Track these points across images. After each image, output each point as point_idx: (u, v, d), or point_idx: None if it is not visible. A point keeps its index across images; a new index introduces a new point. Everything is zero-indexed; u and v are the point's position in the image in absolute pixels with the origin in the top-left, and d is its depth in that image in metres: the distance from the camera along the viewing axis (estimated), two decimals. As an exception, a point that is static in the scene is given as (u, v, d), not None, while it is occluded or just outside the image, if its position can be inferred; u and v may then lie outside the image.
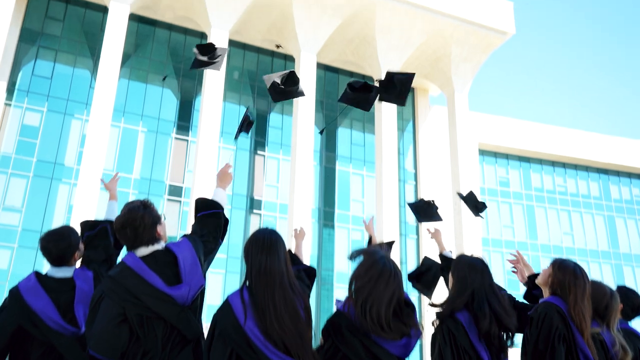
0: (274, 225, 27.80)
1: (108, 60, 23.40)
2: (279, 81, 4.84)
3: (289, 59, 29.71)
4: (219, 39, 25.24)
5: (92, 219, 4.05)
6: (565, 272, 3.44)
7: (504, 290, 4.16)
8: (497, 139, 35.16)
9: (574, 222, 36.33)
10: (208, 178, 23.28)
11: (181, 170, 27.00)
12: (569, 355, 3.23)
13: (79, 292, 3.38)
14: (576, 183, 37.54)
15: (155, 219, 3.03)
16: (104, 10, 26.38)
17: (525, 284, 4.17)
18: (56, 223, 23.84)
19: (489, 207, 33.95)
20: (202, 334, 2.92)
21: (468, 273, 3.23)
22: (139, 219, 2.95)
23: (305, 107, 26.32)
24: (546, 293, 3.57)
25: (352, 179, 30.58)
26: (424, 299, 28.61)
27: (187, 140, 27.50)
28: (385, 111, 28.14)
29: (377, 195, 27.34)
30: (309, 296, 3.15)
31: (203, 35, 28.21)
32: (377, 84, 4.96)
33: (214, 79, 24.91)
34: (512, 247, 33.29)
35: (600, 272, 34.76)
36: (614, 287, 3.82)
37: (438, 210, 6.04)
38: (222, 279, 25.59)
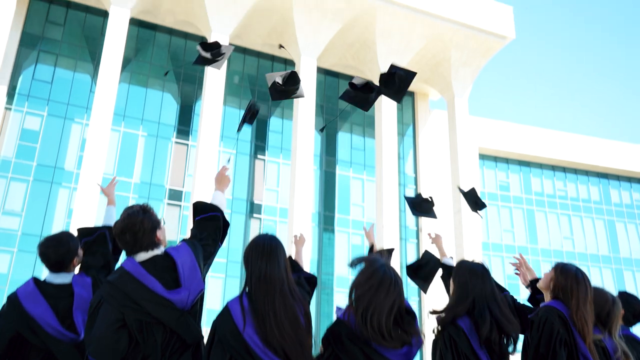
0: (274, 229, 27.77)
1: (108, 64, 23.42)
2: (279, 80, 4.83)
3: (289, 63, 29.76)
4: (219, 44, 25.20)
5: (91, 225, 4.03)
6: (567, 276, 3.42)
7: (507, 291, 4.15)
8: (497, 143, 35.17)
9: (574, 227, 36.32)
10: (208, 182, 23.27)
11: (181, 174, 27.00)
12: (570, 360, 3.22)
13: (77, 299, 3.36)
14: (576, 187, 37.54)
15: (155, 224, 3.01)
16: (104, 14, 26.43)
17: (528, 287, 4.16)
18: (56, 227, 23.82)
19: (490, 211, 34.02)
20: (202, 338, 2.90)
21: (469, 279, 3.21)
22: (139, 224, 2.93)
23: (305, 111, 26.33)
24: (547, 297, 3.56)
25: (352, 183, 30.58)
26: (425, 306, 28.63)
27: (187, 145, 27.50)
28: (385, 115, 28.16)
29: (377, 200, 27.32)
30: (309, 302, 3.13)
31: (203, 40, 28.23)
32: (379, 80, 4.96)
33: (214, 83, 24.93)
34: (512, 251, 33.24)
35: (601, 276, 34.73)
36: (614, 291, 3.81)
37: (434, 208, 6.00)
38: (222, 283, 25.55)
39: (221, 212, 3.42)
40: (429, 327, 3.46)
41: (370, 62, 29.48)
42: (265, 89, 29.81)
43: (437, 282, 4.92)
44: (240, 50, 29.18)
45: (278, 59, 30.01)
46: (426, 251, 5.35)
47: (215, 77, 24.93)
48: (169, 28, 28.33)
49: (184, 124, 27.80)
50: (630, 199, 38.74)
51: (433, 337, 3.26)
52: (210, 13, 25.40)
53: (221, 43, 4.89)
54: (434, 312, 3.29)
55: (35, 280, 3.44)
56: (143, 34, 27.95)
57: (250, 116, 5.06)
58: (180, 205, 26.32)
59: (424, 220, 30.57)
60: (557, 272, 3.49)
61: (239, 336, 2.58)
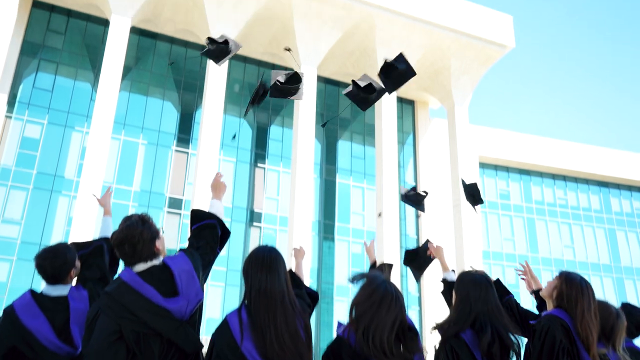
0: (274, 238, 27.73)
1: (109, 72, 23.45)
2: (282, 78, 4.87)
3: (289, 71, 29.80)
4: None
5: (90, 234, 3.99)
6: (572, 284, 3.36)
7: (511, 294, 4.11)
8: (497, 151, 35.18)
9: (574, 235, 36.27)
10: (208, 190, 23.14)
11: (181, 182, 26.98)
12: (573, 370, 3.18)
13: (73, 313, 3.31)
14: (577, 196, 37.53)
15: (154, 234, 2.98)
16: (105, 23, 26.50)
17: (532, 293, 4.14)
18: (56, 235, 23.78)
19: (490, 220, 34.00)
20: (202, 347, 2.87)
21: (471, 291, 3.18)
22: (138, 235, 2.90)
23: (305, 119, 26.35)
24: (550, 305, 3.51)
25: (352, 191, 30.55)
26: (426, 322, 28.52)
27: (188, 153, 27.51)
28: (385, 124, 28.17)
29: (378, 208, 27.28)
30: (309, 315, 3.09)
31: (204, 49, 28.27)
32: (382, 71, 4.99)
33: (214, 92, 24.96)
34: (513, 260, 33.19)
35: (602, 285, 34.64)
36: (615, 301, 3.78)
37: (425, 201, 6.00)
38: (222, 292, 25.48)
39: (218, 219, 3.38)
40: (430, 344, 3.42)
41: (370, 71, 29.52)
42: (266, 98, 29.79)
43: (437, 283, 4.89)
44: (240, 58, 29.24)
45: (278, 67, 30.06)
46: (427, 240, 5.34)
47: (215, 86, 24.97)
48: (169, 37, 28.40)
49: (184, 132, 27.81)
50: (630, 208, 38.72)
51: (434, 352, 3.23)
52: (210, 22, 25.48)
53: (229, 39, 4.91)
54: (436, 327, 3.24)
55: (32, 292, 3.40)
56: (143, 43, 28.02)
57: (261, 96, 5.11)
58: (180, 214, 26.28)
59: (424, 228, 30.54)
60: (561, 281, 3.43)
61: (237, 350, 2.56)
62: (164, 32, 28.09)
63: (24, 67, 25.58)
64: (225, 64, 25.50)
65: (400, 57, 4.86)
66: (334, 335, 2.81)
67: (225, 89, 25.71)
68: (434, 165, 32.59)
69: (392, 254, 25.88)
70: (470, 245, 27.51)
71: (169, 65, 27.30)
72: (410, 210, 31.30)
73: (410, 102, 33.90)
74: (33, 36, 26.15)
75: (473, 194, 5.92)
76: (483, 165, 34.78)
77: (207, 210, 3.45)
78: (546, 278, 4.04)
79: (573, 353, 3.19)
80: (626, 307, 4.13)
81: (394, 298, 2.65)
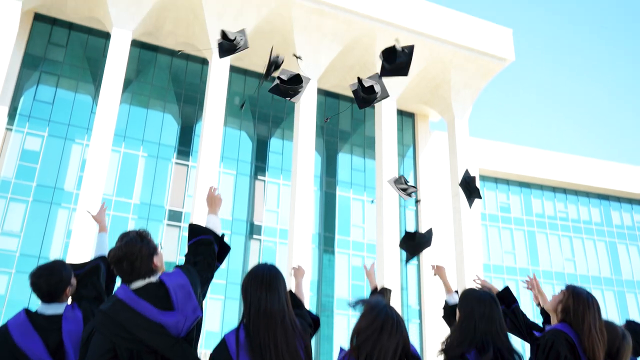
0: (274, 250, 27.64)
1: (109, 85, 23.51)
2: (284, 77, 4.88)
3: (290, 84, 29.86)
4: (220, 65, 25.43)
5: (82, 261, 3.90)
6: (579, 299, 3.29)
7: (517, 302, 4.05)
8: (497, 164, 35.18)
9: (575, 248, 36.16)
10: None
11: (181, 195, 26.95)
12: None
13: (66, 335, 3.23)
14: (577, 209, 37.47)
15: (152, 250, 2.95)
16: (106, 36, 26.62)
17: (538, 305, 4.10)
18: (55, 248, 23.71)
19: (490, 233, 33.92)
20: None
21: (476, 308, 3.11)
22: (137, 252, 2.87)
23: (305, 132, 26.37)
24: (554, 320, 3.45)
25: (352, 204, 30.51)
26: (426, 336, 28.36)
27: (188, 165, 27.50)
28: (385, 136, 28.20)
29: (378, 221, 27.23)
30: (310, 335, 3.02)
31: (204, 62, 28.42)
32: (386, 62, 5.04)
33: (214, 105, 25.00)
34: (513, 273, 33.07)
35: (603, 299, 34.46)
36: (617, 313, 3.72)
37: (411, 192, 5.94)
38: (221, 305, 25.35)
39: (214, 234, 3.33)
40: None
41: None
42: (266, 110, 29.92)
43: (437, 297, 4.85)
44: (241, 71, 29.35)
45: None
46: (430, 229, 5.32)
47: (215, 98, 25.03)
48: (170, 50, 28.52)
49: (185, 145, 27.83)
50: (631, 221, 38.66)
51: None
52: (211, 35, 25.59)
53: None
54: (442, 351, 3.17)
55: (27, 311, 3.33)
56: (144, 56, 28.13)
57: (275, 68, 5.13)
58: (179, 226, 26.22)
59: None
60: (568, 295, 3.36)
61: None
62: (165, 45, 28.21)
63: (25, 79, 25.65)
64: (225, 76, 25.60)
65: (410, 49, 4.90)
66: (334, 354, 2.77)
67: (225, 101, 25.77)
68: (434, 177, 32.58)
69: (392, 267, 25.79)
70: (470, 258, 27.43)
71: (178, 53, 27.38)
72: (411, 222, 31.24)
73: (411, 115, 33.96)
74: (34, 49, 26.25)
75: (469, 189, 5.90)
76: (483, 178, 34.76)
77: (203, 225, 3.40)
78: (547, 291, 3.98)
79: (578, 368, 3.14)
80: (630, 324, 4.06)
81: (396, 323, 2.58)
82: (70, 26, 27.19)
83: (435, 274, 4.96)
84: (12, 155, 24.52)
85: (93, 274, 3.68)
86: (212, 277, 3.23)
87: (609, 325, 3.43)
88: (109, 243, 3.63)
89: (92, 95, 26.55)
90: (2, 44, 22.55)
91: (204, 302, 3.10)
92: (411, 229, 31.13)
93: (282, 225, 28.06)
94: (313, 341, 3.16)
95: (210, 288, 3.29)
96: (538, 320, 4.34)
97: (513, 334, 3.95)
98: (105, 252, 3.79)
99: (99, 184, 21.98)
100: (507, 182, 36.04)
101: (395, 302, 24.65)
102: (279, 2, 26.30)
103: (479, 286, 4.32)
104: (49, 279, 3.30)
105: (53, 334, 3.23)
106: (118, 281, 3.22)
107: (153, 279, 2.92)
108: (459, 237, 27.96)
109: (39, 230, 23.86)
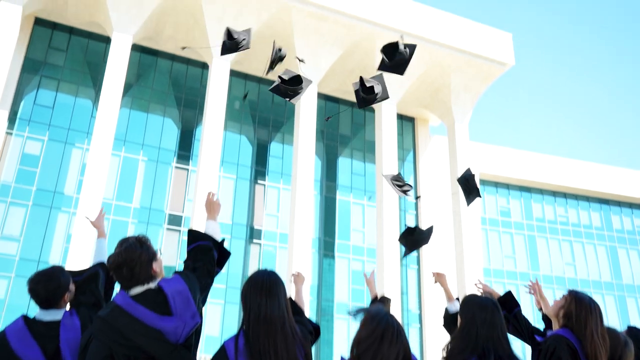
0: (274, 255, 27.61)
1: (110, 89, 23.53)
2: (285, 76, 4.89)
3: (290, 88, 29.88)
4: (220, 70, 25.46)
5: (81, 268, 3.87)
6: (581, 304, 3.27)
7: (519, 306, 4.04)
8: (497, 169, 35.18)
9: (575, 253, 36.13)
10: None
11: (181, 199, 26.94)
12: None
13: (64, 343, 3.21)
14: (577, 213, 37.46)
15: (152, 256, 2.94)
16: (106, 40, 26.64)
17: (540, 310, 4.08)
18: (55, 252, 23.69)
19: (491, 237, 33.89)
20: None
21: (477, 314, 3.08)
22: (137, 258, 2.86)
23: (305, 136, 26.38)
24: (556, 325, 3.43)
25: (352, 208, 30.49)
26: (426, 340, 28.30)
27: (188, 170, 27.50)
28: (385, 141, 28.21)
29: (378, 225, 27.21)
30: (311, 343, 2.99)
31: (205, 66, 28.44)
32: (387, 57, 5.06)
33: (214, 109, 25.02)
34: (514, 277, 33.03)
35: (604, 303, 34.41)
36: (617, 317, 3.70)
37: (407, 191, 5.93)
38: (221, 310, 25.32)
39: (212, 240, 3.31)
40: None
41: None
42: (267, 115, 29.94)
43: (438, 301, 4.83)
44: (241, 76, 29.38)
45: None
46: (431, 227, 5.33)
47: (216, 102, 25.04)
48: (170, 54, 28.55)
49: (185, 149, 27.83)
50: (631, 225, 38.64)
51: None
52: (211, 39, 25.62)
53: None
54: (444, 359, 3.14)
55: (25, 318, 3.32)
56: (145, 60, 28.16)
57: (278, 60, 5.21)
58: (179, 231, 26.20)
59: (424, 246, 30.38)
60: (569, 300, 3.34)
61: None
62: (165, 49, 28.24)
63: (26, 84, 25.67)
64: (225, 80, 25.61)
65: (412, 48, 4.90)
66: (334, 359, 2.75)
67: (225, 105, 25.79)
68: (434, 182, 32.56)
69: (392, 271, 25.75)
70: (471, 262, 27.40)
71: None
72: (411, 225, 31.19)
73: (411, 119, 33.97)
74: (35, 53, 26.28)
75: (468, 188, 5.89)
76: (483, 182, 34.76)
77: (202, 230, 3.38)
78: (548, 296, 3.96)
79: (579, 374, 3.11)
80: (632, 331, 4.03)
81: (396, 332, 2.55)
82: (71, 30, 27.23)
83: (436, 282, 4.91)
84: (12, 159, 24.51)
85: (92, 281, 3.67)
86: (211, 282, 3.21)
87: (611, 331, 3.40)
88: (109, 247, 3.62)
89: (92, 100, 26.57)
90: (3, 48, 22.57)
91: (203, 307, 3.08)
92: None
93: (282, 229, 28.04)
94: (313, 346, 3.13)
95: (210, 292, 3.28)
96: (539, 325, 4.31)
97: (515, 336, 3.93)
98: (104, 258, 3.78)
99: (99, 188, 21.97)
100: (507, 186, 36.03)
101: (395, 307, 24.61)
102: (279, 6, 26.34)
103: (481, 290, 4.30)
104: (47, 285, 3.28)
105: (51, 341, 3.21)
106: (117, 287, 3.20)
107: (152, 285, 2.91)
108: (459, 241, 27.94)
109: (38, 234, 23.84)
